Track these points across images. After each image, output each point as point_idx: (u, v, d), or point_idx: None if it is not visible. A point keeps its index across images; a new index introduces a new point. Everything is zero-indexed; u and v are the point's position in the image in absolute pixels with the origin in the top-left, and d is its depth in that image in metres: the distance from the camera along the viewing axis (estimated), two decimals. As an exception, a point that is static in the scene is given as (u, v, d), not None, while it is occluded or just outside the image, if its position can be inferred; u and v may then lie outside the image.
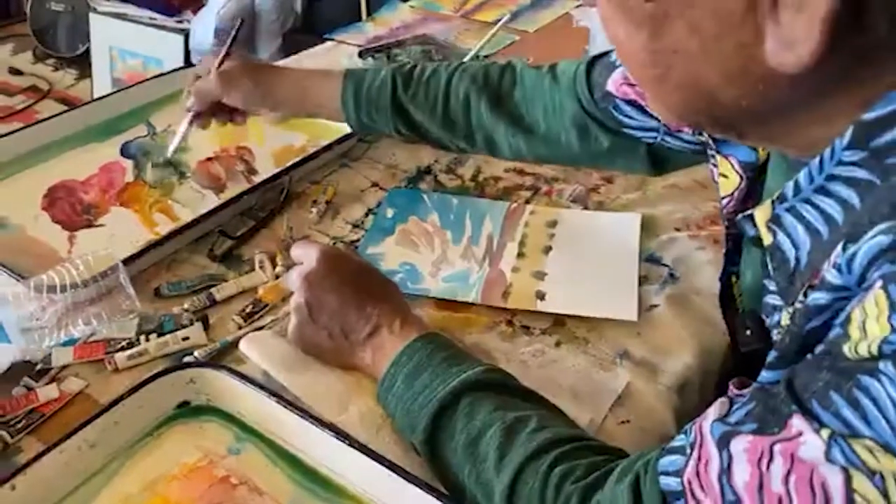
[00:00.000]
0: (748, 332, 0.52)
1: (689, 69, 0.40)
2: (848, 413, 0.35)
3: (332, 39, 1.32)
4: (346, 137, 0.95)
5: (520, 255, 0.80)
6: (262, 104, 0.83)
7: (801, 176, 0.41)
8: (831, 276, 0.37)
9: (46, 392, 0.63)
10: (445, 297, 0.74)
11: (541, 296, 0.74)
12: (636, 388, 0.65)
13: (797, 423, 0.36)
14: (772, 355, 0.42)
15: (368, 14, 1.43)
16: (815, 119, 0.41)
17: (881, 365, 0.34)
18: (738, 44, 0.37)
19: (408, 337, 0.59)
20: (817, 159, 0.40)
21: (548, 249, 0.81)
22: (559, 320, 0.72)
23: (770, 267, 0.44)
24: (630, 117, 0.69)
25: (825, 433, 0.35)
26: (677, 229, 0.83)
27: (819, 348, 0.38)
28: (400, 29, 1.36)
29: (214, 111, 0.85)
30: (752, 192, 0.55)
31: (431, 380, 0.57)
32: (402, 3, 1.47)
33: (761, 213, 0.44)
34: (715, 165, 0.59)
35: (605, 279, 0.76)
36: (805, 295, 0.41)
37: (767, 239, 0.44)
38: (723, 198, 0.58)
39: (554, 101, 0.74)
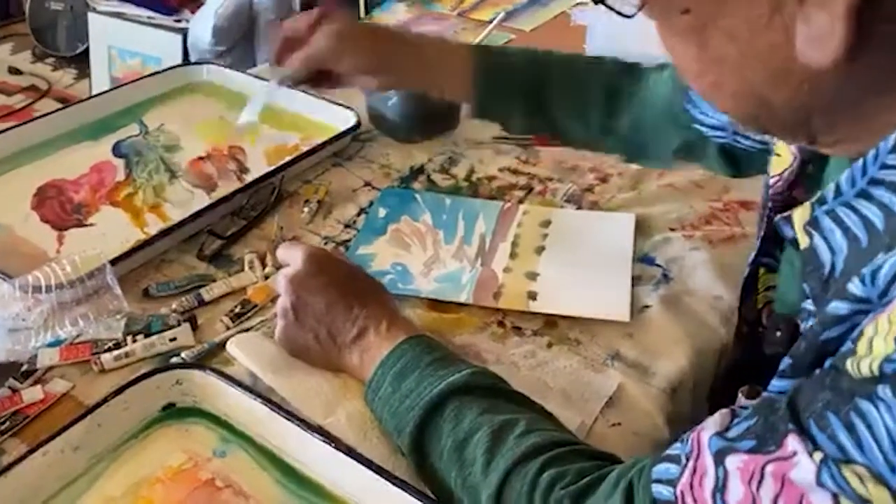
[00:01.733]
0: (778, 334, 0.51)
1: (737, 75, 0.40)
2: (843, 437, 0.34)
3: (328, 38, 1.31)
4: (339, 136, 0.94)
5: (512, 255, 0.79)
6: (377, 72, 0.74)
7: (843, 178, 0.40)
8: (854, 286, 0.37)
9: (31, 393, 0.62)
10: (436, 298, 0.73)
11: (532, 296, 0.73)
12: (628, 390, 0.64)
13: (792, 442, 0.36)
14: (785, 363, 0.41)
15: (367, 12, 1.43)
16: (876, 117, 0.40)
17: (880, 390, 0.33)
18: (770, 46, 0.38)
19: (395, 339, 0.59)
20: (861, 161, 0.39)
21: (541, 250, 0.80)
22: (551, 321, 0.71)
23: (804, 271, 0.43)
24: (704, 114, 0.69)
25: (818, 456, 0.35)
26: (672, 229, 0.83)
27: (828, 362, 0.37)
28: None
29: (312, 77, 0.75)
30: (801, 177, 0.55)
31: (418, 382, 0.56)
32: (400, 2, 1.46)
33: (800, 215, 0.44)
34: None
35: (597, 279, 0.75)
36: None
37: (804, 242, 0.43)
38: (770, 178, 0.57)
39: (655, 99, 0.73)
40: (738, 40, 0.39)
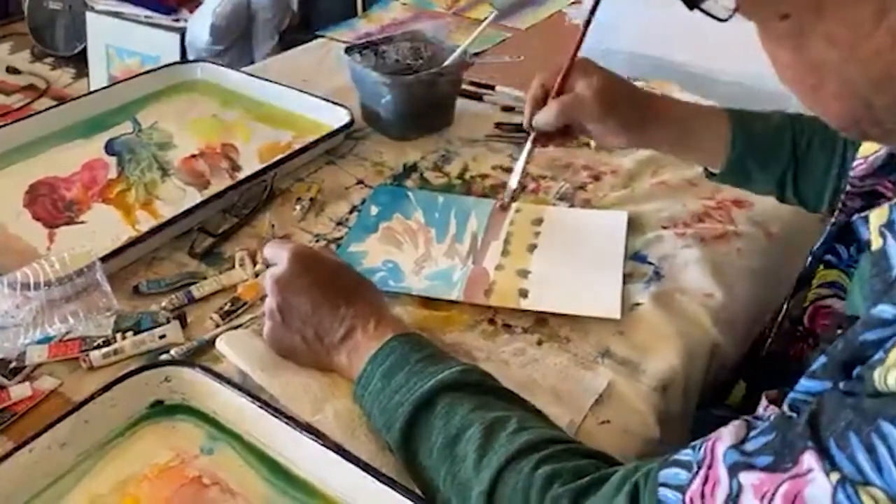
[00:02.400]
0: (839, 331, 0.50)
1: (838, 79, 0.40)
2: (862, 458, 0.34)
3: (324, 36, 1.31)
4: (333, 134, 0.94)
5: (504, 252, 0.79)
6: (634, 137, 0.75)
7: None
8: None
9: (19, 390, 0.62)
10: (428, 296, 0.73)
11: (524, 294, 0.73)
12: (618, 387, 0.64)
13: (809, 459, 0.36)
14: (818, 362, 0.40)
15: (364, 10, 1.43)
16: None
17: None
18: (875, 51, 0.37)
19: (383, 337, 0.59)
20: None
21: (533, 247, 0.80)
22: (541, 319, 0.71)
23: (871, 273, 0.43)
24: None
25: (835, 476, 0.34)
26: (664, 227, 0.82)
27: (856, 370, 0.37)
28: (391, 26, 1.35)
29: (557, 133, 0.76)
30: (888, 167, 0.54)
31: (408, 379, 0.56)
32: (396, 1, 1.46)
33: (877, 216, 0.43)
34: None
35: (588, 277, 0.75)
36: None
37: (877, 243, 0.42)
38: (856, 160, 0.56)
39: None
40: (840, 45, 0.38)
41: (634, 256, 0.78)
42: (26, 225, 0.82)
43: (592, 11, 0.72)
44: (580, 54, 0.74)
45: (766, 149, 0.73)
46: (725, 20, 0.41)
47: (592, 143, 0.95)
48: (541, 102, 0.74)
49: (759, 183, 0.76)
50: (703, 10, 0.41)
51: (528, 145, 0.76)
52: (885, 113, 0.40)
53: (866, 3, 0.36)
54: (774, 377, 0.69)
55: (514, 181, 0.78)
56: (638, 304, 0.72)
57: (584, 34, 0.73)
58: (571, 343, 0.68)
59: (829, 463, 0.35)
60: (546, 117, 0.73)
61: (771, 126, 0.74)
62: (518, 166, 0.77)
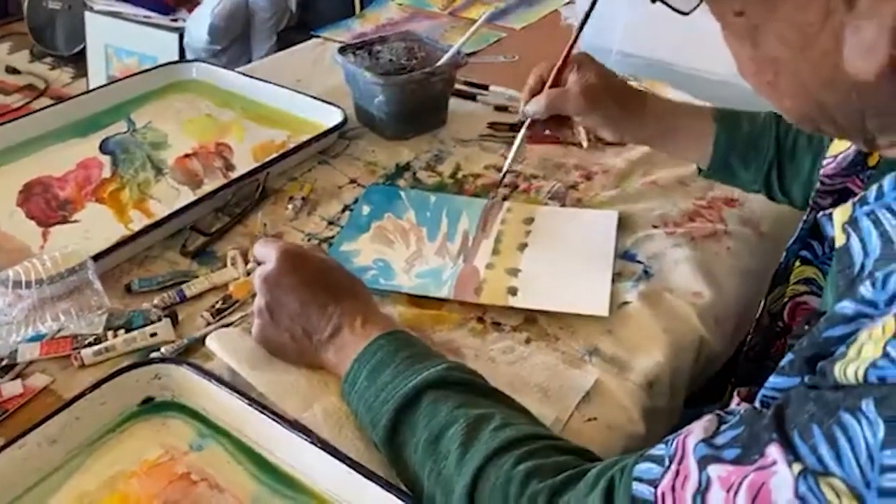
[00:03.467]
0: (806, 327, 0.51)
1: (791, 77, 0.41)
2: (824, 450, 0.34)
3: (319, 37, 1.32)
4: (326, 134, 0.94)
5: (495, 251, 0.79)
6: (621, 132, 0.77)
7: (887, 180, 0.40)
8: (865, 287, 0.37)
9: (10, 388, 0.62)
10: (417, 294, 0.73)
11: (513, 291, 0.73)
12: (605, 385, 0.64)
13: (774, 451, 0.36)
14: (786, 359, 0.41)
15: (362, 8, 1.43)
16: None
17: (864, 405, 0.33)
18: (821, 52, 0.38)
19: (370, 335, 0.59)
20: None
21: (523, 246, 0.80)
22: (531, 317, 0.71)
23: (835, 270, 0.43)
24: None
25: (797, 468, 0.35)
26: (655, 226, 0.83)
27: (819, 365, 0.37)
28: (386, 26, 1.36)
29: (551, 123, 0.79)
30: (857, 164, 0.55)
31: (394, 377, 0.56)
32: (392, 1, 1.47)
33: (840, 214, 0.43)
34: None
35: (578, 276, 0.75)
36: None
37: (840, 240, 0.43)
38: (826, 159, 0.57)
39: None
40: (790, 45, 0.39)
41: (624, 255, 0.79)
42: (20, 224, 0.82)
43: (589, 10, 0.74)
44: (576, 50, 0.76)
45: (749, 147, 0.75)
46: (688, 13, 0.42)
47: (584, 143, 0.96)
48: (535, 92, 0.77)
49: (745, 181, 0.77)
50: (664, 3, 0.42)
51: (523, 130, 0.79)
52: (837, 111, 0.41)
53: (813, 5, 0.37)
54: (756, 374, 0.69)
55: (507, 164, 0.81)
56: (626, 303, 0.72)
57: (580, 31, 0.76)
58: (560, 341, 0.69)
59: (793, 454, 0.35)
60: (535, 106, 0.76)
61: (756, 125, 0.75)
62: (513, 150, 0.80)
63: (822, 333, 0.38)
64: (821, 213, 0.45)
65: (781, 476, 0.35)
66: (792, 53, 0.39)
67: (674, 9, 0.43)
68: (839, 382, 0.35)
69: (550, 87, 0.76)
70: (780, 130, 0.74)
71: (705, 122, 0.76)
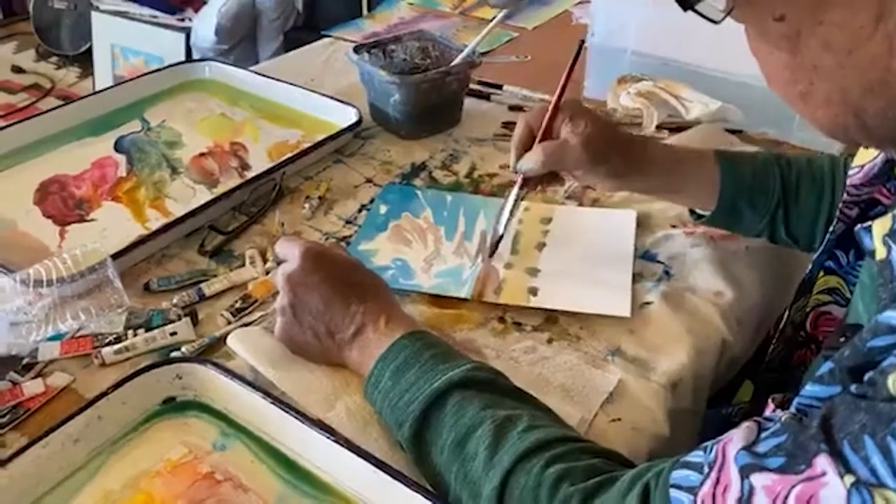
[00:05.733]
0: (842, 339, 0.50)
1: (830, 84, 0.40)
2: (877, 461, 0.34)
3: (330, 36, 1.31)
4: (341, 133, 0.94)
5: (513, 251, 0.79)
6: (625, 185, 0.74)
7: None
8: None
9: (32, 387, 0.62)
10: (437, 293, 0.73)
11: (533, 291, 0.73)
12: (628, 385, 0.64)
13: (823, 462, 0.35)
14: (825, 367, 0.40)
15: (370, 10, 1.43)
16: None
17: None
18: (872, 57, 0.37)
19: (393, 335, 0.59)
20: None
21: (541, 246, 0.80)
22: (551, 317, 0.71)
23: (876, 284, 0.42)
24: None
25: (849, 479, 0.34)
26: (673, 226, 0.82)
27: (867, 375, 0.37)
28: (398, 25, 1.36)
29: (545, 178, 0.73)
30: (884, 174, 0.54)
31: (418, 377, 0.56)
32: (402, 0, 1.47)
33: (880, 226, 0.43)
34: None
35: (598, 276, 0.75)
36: None
37: (881, 253, 0.42)
38: (852, 168, 0.56)
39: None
40: (835, 50, 0.38)
41: (644, 255, 0.78)
42: (37, 222, 0.82)
43: (576, 56, 0.71)
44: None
45: (755, 188, 0.72)
46: (718, 22, 0.41)
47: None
48: (527, 144, 0.71)
49: (749, 224, 0.74)
50: (697, 12, 0.41)
51: (516, 190, 0.72)
52: (875, 119, 0.40)
53: (865, 8, 0.36)
54: (778, 382, 0.69)
55: (501, 227, 0.73)
56: (648, 303, 0.72)
57: (568, 76, 0.71)
58: (581, 341, 0.68)
59: (844, 466, 0.35)
60: (531, 164, 0.70)
61: (758, 165, 0.73)
62: (504, 213, 0.73)
63: (867, 343, 0.38)
64: (858, 225, 0.45)
65: (832, 488, 0.35)
66: (836, 59, 0.38)
67: (706, 17, 0.42)
68: (893, 394, 0.34)
69: (542, 139, 0.70)
70: (782, 168, 0.73)
71: (709, 165, 0.72)
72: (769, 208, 0.72)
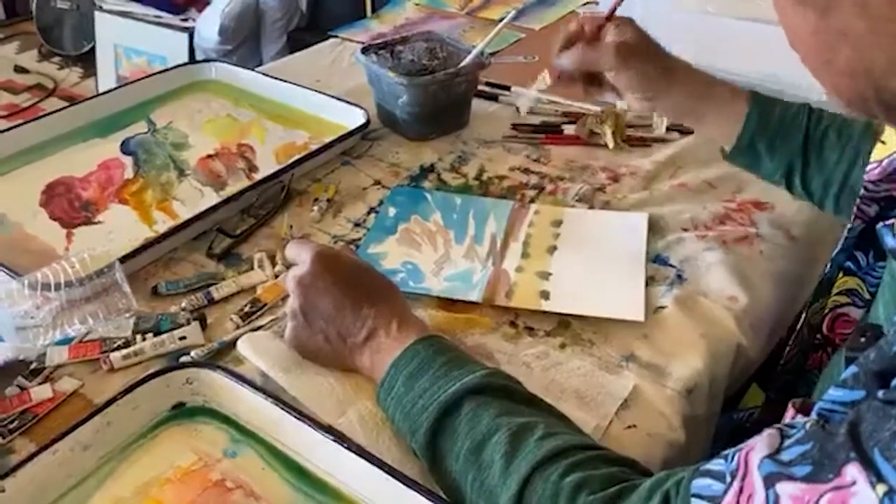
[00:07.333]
0: (863, 339, 0.49)
1: (856, 53, 0.38)
2: None
3: (337, 36, 1.31)
4: (349, 135, 0.93)
5: (524, 254, 0.78)
6: (652, 95, 0.74)
7: None
8: None
9: (40, 392, 0.61)
10: (447, 297, 0.72)
11: (545, 295, 0.72)
12: (643, 391, 0.63)
13: (853, 471, 0.35)
14: (848, 371, 0.39)
15: (374, 11, 1.42)
16: None
17: None
18: None
19: (406, 340, 0.58)
20: None
21: (553, 249, 0.79)
22: (564, 322, 0.70)
23: None
24: None
25: (881, 489, 0.33)
26: (685, 229, 0.82)
27: (895, 381, 0.36)
28: (405, 26, 1.35)
29: (582, 77, 0.77)
30: None
31: (432, 383, 0.55)
32: (408, 1, 1.46)
33: None
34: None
35: (611, 279, 0.74)
36: None
37: None
38: (869, 165, 0.55)
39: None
40: (871, 15, 0.36)
41: (656, 259, 0.78)
42: (43, 224, 0.81)
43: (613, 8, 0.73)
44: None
45: (778, 133, 0.73)
46: None
47: (610, 144, 0.95)
48: (571, 42, 0.75)
49: (767, 167, 0.75)
50: None
51: (547, 77, 0.78)
52: None
53: None
54: (793, 385, 0.68)
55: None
56: (661, 308, 0.71)
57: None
58: (595, 346, 0.68)
59: (875, 474, 0.34)
60: (566, 60, 0.75)
61: (788, 112, 0.74)
62: (534, 88, 0.80)
63: (893, 347, 0.37)
64: (880, 223, 0.44)
65: (864, 497, 0.34)
66: (870, 26, 0.37)
67: None
68: None
69: (588, 42, 0.74)
70: (810, 122, 0.73)
71: (739, 101, 0.73)
72: (788, 154, 0.73)
